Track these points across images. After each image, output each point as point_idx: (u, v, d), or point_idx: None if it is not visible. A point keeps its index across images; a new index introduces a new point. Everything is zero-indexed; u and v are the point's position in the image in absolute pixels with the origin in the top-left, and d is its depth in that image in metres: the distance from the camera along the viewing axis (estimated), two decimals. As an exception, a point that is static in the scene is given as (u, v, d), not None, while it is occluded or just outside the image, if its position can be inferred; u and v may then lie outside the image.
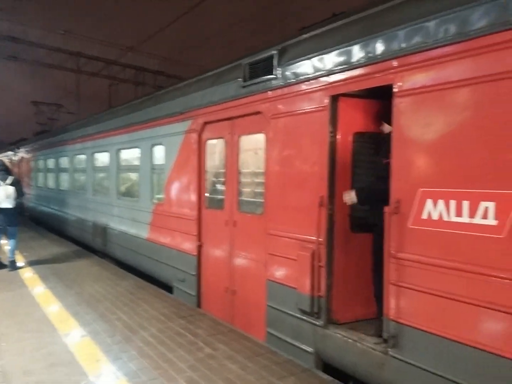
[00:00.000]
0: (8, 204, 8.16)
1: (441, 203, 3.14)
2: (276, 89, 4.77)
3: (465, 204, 2.98)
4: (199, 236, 6.33)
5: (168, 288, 7.19)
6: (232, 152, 5.64)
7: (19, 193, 8.48)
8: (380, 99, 4.19)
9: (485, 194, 2.87)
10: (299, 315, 4.47)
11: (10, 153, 21.30)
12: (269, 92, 4.87)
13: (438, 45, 3.14)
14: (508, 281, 2.75)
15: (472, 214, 2.94)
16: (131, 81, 26.73)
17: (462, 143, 3.02)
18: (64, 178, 13.64)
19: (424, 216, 3.24)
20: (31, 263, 9.01)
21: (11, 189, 8.19)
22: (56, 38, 23.74)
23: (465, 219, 2.98)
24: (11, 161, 21.16)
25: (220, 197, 6.01)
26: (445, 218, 3.10)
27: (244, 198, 5.61)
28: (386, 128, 4.07)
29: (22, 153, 19.93)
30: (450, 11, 3.07)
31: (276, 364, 4.27)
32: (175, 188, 6.99)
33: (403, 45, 3.40)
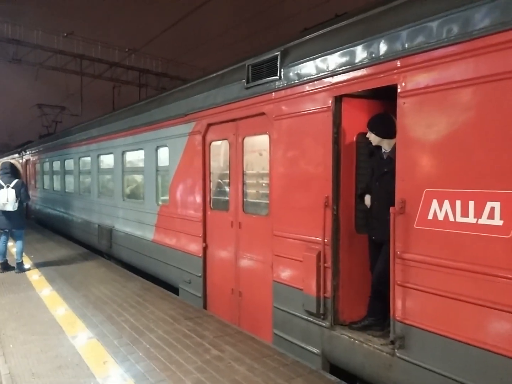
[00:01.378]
0: (10, 207, 8.18)
1: (446, 203, 3.13)
2: (280, 90, 4.77)
3: (471, 205, 2.97)
4: (204, 237, 6.35)
5: (174, 290, 7.21)
6: (237, 154, 5.65)
7: (23, 196, 8.46)
8: (384, 99, 4.18)
9: (491, 194, 2.86)
10: (305, 317, 4.48)
11: (16, 155, 21.41)
12: (272, 93, 4.88)
13: (441, 45, 3.13)
14: (515, 281, 2.74)
15: (478, 215, 2.93)
16: (135, 83, 26.82)
17: (467, 143, 3.01)
18: (70, 180, 13.70)
19: (430, 216, 3.23)
20: (38, 265, 9.07)
21: (12, 192, 8.20)
22: (59, 40, 23.85)
23: (471, 219, 2.97)
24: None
25: (225, 198, 6.03)
26: (451, 219, 3.09)
27: (249, 199, 5.62)
28: (373, 138, 4.07)
29: (27, 156, 20.04)
30: (453, 11, 3.06)
31: (283, 365, 4.28)
32: (180, 189, 7.02)
33: (407, 45, 3.39)
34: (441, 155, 3.18)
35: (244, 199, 5.60)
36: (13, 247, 8.92)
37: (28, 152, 19.96)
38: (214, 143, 6.23)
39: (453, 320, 3.11)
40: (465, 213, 3.01)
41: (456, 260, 3.06)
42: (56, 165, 15.08)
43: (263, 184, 5.40)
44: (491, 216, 2.86)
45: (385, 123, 3.89)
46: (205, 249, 6.35)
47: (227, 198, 5.94)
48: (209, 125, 6.16)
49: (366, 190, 4.24)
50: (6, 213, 8.30)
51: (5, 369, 4.23)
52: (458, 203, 3.05)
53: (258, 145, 5.48)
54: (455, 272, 3.07)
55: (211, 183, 6.33)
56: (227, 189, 5.97)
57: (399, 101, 3.46)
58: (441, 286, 3.17)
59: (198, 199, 6.44)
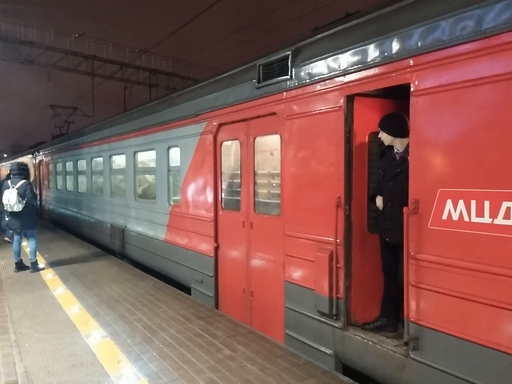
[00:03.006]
0: (15, 208, 8.26)
1: (461, 203, 3.09)
2: (291, 89, 4.76)
3: (487, 205, 2.93)
4: (216, 237, 6.37)
5: (186, 289, 7.24)
6: (248, 153, 5.65)
7: (29, 196, 8.48)
8: (395, 98, 4.15)
9: (507, 194, 2.82)
10: (317, 317, 4.46)
11: (29, 156, 21.70)
12: (283, 93, 4.87)
13: (455, 43, 3.09)
14: (532, 282, 2.70)
15: (493, 215, 2.89)
16: (145, 83, 26.98)
17: (482, 142, 2.97)
18: (82, 180, 13.85)
19: (444, 216, 3.20)
20: (52, 265, 9.19)
21: (14, 193, 8.24)
22: (71, 42, 24.11)
23: (486, 219, 2.93)
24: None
25: (236, 198, 6.04)
26: (466, 219, 3.06)
27: (260, 199, 5.62)
28: (385, 137, 4.02)
29: (40, 156, 20.29)
30: (467, 9, 3.02)
31: (295, 366, 4.27)
32: (191, 189, 7.04)
33: (420, 43, 3.36)
34: (455, 154, 3.14)
35: (256, 199, 5.60)
36: (28, 247, 9.05)
37: (41, 153, 20.22)
38: (225, 143, 6.24)
39: (467, 321, 3.08)
40: (480, 213, 2.97)
41: (471, 261, 3.03)
42: (69, 165, 15.24)
43: (274, 184, 5.39)
44: (507, 216, 2.82)
45: (397, 122, 3.85)
46: (216, 249, 6.37)
47: (238, 198, 5.95)
48: (220, 125, 6.17)
49: (377, 191, 4.21)
50: (14, 214, 8.40)
51: (21, 367, 4.30)
52: (473, 203, 3.02)
53: (269, 145, 5.48)
54: (470, 273, 3.04)
55: (222, 183, 6.34)
56: (238, 189, 5.97)
57: (412, 100, 3.43)
58: (455, 287, 3.14)
59: (210, 199, 6.46)
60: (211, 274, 6.44)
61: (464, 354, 3.10)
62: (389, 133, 3.96)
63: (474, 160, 3.02)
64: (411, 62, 3.43)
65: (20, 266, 8.69)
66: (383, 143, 4.07)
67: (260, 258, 5.49)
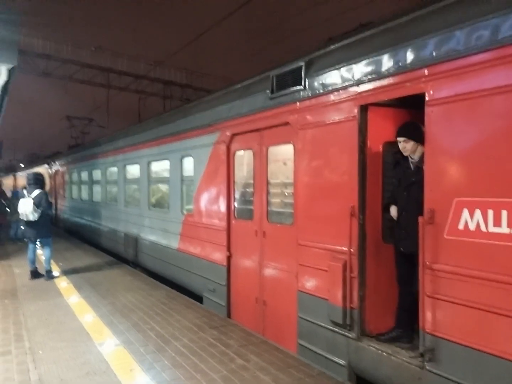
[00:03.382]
0: (31, 217, 8.38)
1: (478, 213, 3.06)
2: (304, 100, 4.79)
3: (504, 214, 2.89)
4: (228, 246, 6.38)
5: (199, 298, 7.24)
6: (261, 163, 5.68)
7: (44, 206, 8.58)
8: (410, 108, 4.14)
9: (525, 203, 2.78)
10: (331, 327, 4.43)
11: (45, 166, 22.09)
12: (297, 103, 4.90)
13: (470, 52, 3.09)
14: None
15: (511, 225, 2.85)
16: (159, 95, 27.34)
17: (498, 151, 2.94)
18: (97, 190, 14.03)
19: (461, 226, 3.16)
20: (66, 273, 9.28)
21: (30, 202, 8.36)
22: (87, 54, 24.61)
23: (504, 229, 2.89)
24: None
25: (249, 207, 6.05)
26: (483, 229, 3.02)
27: (273, 208, 5.62)
28: (411, 145, 3.93)
29: (56, 166, 20.63)
30: (482, 19, 3.02)
31: (309, 376, 4.23)
32: (204, 199, 7.08)
33: (435, 53, 3.36)
34: (471, 164, 3.12)
35: (269, 208, 5.61)
36: (43, 255, 9.16)
37: (56, 163, 20.56)
38: (238, 153, 6.28)
39: (485, 332, 3.02)
40: (497, 223, 2.93)
41: (488, 271, 2.98)
42: (84, 175, 15.47)
43: (287, 194, 5.40)
44: (525, 226, 2.78)
45: (417, 129, 3.77)
46: (229, 258, 6.37)
47: (251, 207, 5.96)
48: (234, 135, 6.22)
49: (391, 201, 4.18)
50: (29, 223, 8.53)
51: (35, 375, 4.33)
52: (490, 212, 2.98)
53: (282, 154, 5.50)
54: (488, 284, 2.99)
55: (235, 192, 6.37)
56: (251, 198, 5.99)
57: (427, 110, 3.42)
58: (472, 298, 3.09)
59: (223, 208, 6.49)
60: (224, 283, 6.44)
61: (481, 366, 3.04)
62: (417, 140, 3.86)
63: (490, 169, 2.99)
64: (426, 72, 3.43)
65: (35, 274, 8.79)
66: (397, 152, 4.05)
67: (273, 267, 5.47)
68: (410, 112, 4.16)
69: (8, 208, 14.33)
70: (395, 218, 4.10)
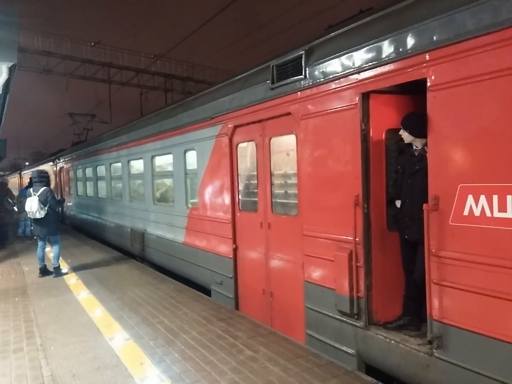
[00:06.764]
0: (38, 215, 8.43)
1: (483, 198, 3.03)
2: (305, 89, 4.74)
3: (509, 199, 2.87)
4: (234, 239, 6.39)
5: (206, 291, 7.28)
6: (264, 154, 5.66)
7: (51, 203, 8.64)
8: (412, 94, 4.10)
9: (530, 187, 2.75)
10: (338, 317, 4.44)
11: (50, 163, 22.18)
12: (298, 92, 4.86)
13: (471, 36, 3.04)
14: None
15: (517, 209, 2.83)
16: (161, 89, 27.28)
17: (503, 136, 2.91)
18: (102, 186, 14.08)
19: (466, 212, 3.14)
20: (75, 269, 9.36)
21: (36, 200, 8.42)
22: (87, 50, 24.57)
23: (509, 214, 2.86)
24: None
25: (253, 199, 6.05)
26: (488, 214, 3.00)
27: (277, 200, 5.61)
28: (406, 136, 3.95)
29: (61, 164, 20.71)
30: (483, 1, 2.96)
31: (317, 366, 4.25)
32: (208, 192, 7.09)
33: (435, 37, 3.31)
34: (475, 149, 3.09)
35: (273, 200, 5.60)
36: (51, 252, 9.25)
37: (61, 160, 20.63)
38: (241, 145, 6.26)
39: (493, 318, 3.01)
40: (503, 208, 2.91)
41: (494, 257, 2.97)
42: (88, 171, 15.52)
43: (291, 184, 5.38)
44: (531, 210, 2.76)
45: (419, 123, 3.70)
46: (235, 250, 6.39)
47: (255, 199, 5.96)
48: (236, 127, 6.20)
49: (395, 195, 4.16)
50: (37, 221, 8.61)
51: (47, 371, 4.39)
52: (495, 197, 2.96)
53: (285, 145, 5.47)
54: (494, 269, 2.98)
55: (239, 185, 6.36)
56: (255, 190, 5.98)
57: (429, 95, 3.38)
58: (479, 284, 3.08)
59: (227, 200, 6.49)
60: (231, 276, 6.47)
61: (490, 352, 3.03)
62: (410, 133, 3.88)
63: (495, 154, 2.95)
64: (427, 56, 3.38)
65: (44, 272, 8.88)
66: (402, 140, 4.02)
67: (279, 258, 5.48)
68: (414, 98, 4.11)
69: (15, 206, 14.45)
70: (398, 206, 4.09)
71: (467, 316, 3.18)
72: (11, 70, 5.15)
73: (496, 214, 2.95)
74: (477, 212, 3.07)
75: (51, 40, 23.46)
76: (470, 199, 3.12)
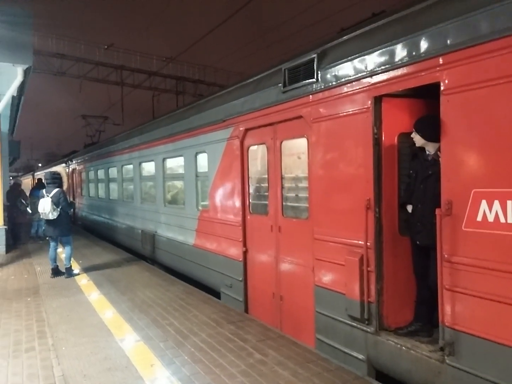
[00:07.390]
0: (50, 216, 8.52)
1: (497, 204, 2.99)
2: (317, 92, 4.74)
3: (524, 205, 2.83)
4: (244, 241, 6.39)
5: (216, 294, 7.29)
6: (275, 157, 5.66)
7: (63, 205, 8.72)
8: (425, 98, 4.06)
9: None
10: (349, 322, 4.41)
11: (63, 165, 22.44)
12: (310, 96, 4.85)
13: (486, 40, 3.01)
14: None
15: (532, 215, 2.79)
16: (172, 91, 27.47)
17: (517, 141, 2.87)
18: (113, 187, 14.20)
19: (479, 218, 3.10)
20: (86, 270, 9.44)
21: (48, 201, 8.50)
22: (100, 53, 24.86)
23: (524, 220, 2.82)
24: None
25: (264, 202, 6.04)
26: (502, 220, 2.95)
27: (288, 203, 5.60)
28: (418, 139, 3.92)
29: (73, 165, 20.94)
30: (498, 4, 2.93)
31: (327, 371, 4.22)
32: (219, 194, 7.10)
33: (449, 41, 3.28)
34: (489, 154, 3.05)
35: (283, 203, 5.59)
36: (63, 253, 9.34)
37: (73, 162, 20.86)
38: (252, 148, 6.27)
39: (506, 325, 2.97)
40: (517, 214, 2.86)
41: (508, 263, 2.92)
42: (100, 173, 15.66)
43: (302, 188, 5.37)
44: (546, 216, 2.71)
45: (431, 126, 3.66)
46: (245, 253, 6.39)
47: (266, 202, 5.95)
48: (247, 130, 6.21)
49: (407, 199, 4.12)
50: (50, 222, 8.70)
51: (58, 371, 4.43)
52: (509, 203, 2.91)
53: (296, 148, 5.46)
54: (507, 276, 2.93)
55: (250, 188, 6.36)
56: (266, 193, 5.98)
57: (443, 99, 3.35)
58: (492, 290, 3.04)
59: (238, 203, 6.50)
60: (240, 279, 6.46)
61: (503, 359, 2.98)
62: (422, 136, 3.85)
63: (509, 159, 2.91)
64: (441, 60, 3.36)
65: (56, 272, 8.96)
66: (415, 144, 3.99)
67: (289, 262, 5.47)
68: (427, 102, 4.08)
69: (28, 207, 14.64)
70: (410, 211, 4.06)
71: (480, 323, 3.14)
72: (26, 72, 5.24)
73: (510, 220, 2.91)
74: (490, 218, 3.03)
75: (65, 43, 23.82)
76: (483, 205, 3.08)
